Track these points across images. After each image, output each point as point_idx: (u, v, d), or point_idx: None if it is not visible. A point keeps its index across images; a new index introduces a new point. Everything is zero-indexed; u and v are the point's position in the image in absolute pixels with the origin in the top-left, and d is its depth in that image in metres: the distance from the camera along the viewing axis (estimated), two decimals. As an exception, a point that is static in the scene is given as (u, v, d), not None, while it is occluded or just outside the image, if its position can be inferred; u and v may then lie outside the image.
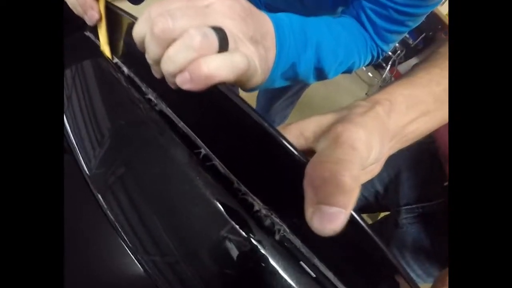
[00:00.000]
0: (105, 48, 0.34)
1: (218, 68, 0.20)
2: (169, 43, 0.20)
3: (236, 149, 0.24)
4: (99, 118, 0.31)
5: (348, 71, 0.43)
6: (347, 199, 0.15)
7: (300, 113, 1.07)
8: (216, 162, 0.24)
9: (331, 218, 0.15)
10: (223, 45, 0.21)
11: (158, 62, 0.22)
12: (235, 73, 0.21)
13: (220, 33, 0.21)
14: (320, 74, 0.37)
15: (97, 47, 0.37)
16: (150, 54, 0.22)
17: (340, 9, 0.52)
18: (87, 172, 0.26)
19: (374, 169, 0.23)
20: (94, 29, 0.41)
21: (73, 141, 0.31)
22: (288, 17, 0.31)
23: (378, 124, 0.21)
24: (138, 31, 0.22)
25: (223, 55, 0.21)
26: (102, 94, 0.32)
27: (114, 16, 0.33)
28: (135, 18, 0.33)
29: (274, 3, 0.63)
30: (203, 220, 0.23)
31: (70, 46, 0.43)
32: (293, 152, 0.19)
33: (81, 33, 0.43)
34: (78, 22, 0.40)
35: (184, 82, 0.20)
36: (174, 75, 0.21)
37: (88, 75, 0.35)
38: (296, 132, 0.22)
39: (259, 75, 0.25)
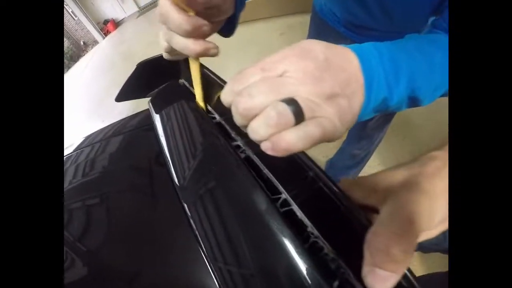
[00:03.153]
0: (200, 102, 0.42)
1: (294, 142, 0.23)
2: (251, 117, 0.24)
3: (312, 199, 0.28)
4: (192, 154, 0.38)
5: (446, 95, 0.38)
6: (398, 267, 0.19)
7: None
8: (294, 207, 0.28)
9: (383, 280, 0.19)
10: (299, 117, 0.23)
11: (245, 127, 0.25)
12: (311, 142, 0.23)
13: (294, 106, 0.23)
14: (414, 103, 0.35)
15: (191, 93, 0.44)
16: (237, 122, 0.25)
17: (430, 20, 0.50)
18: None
19: (441, 228, 0.24)
20: (189, 78, 0.49)
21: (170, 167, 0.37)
22: (375, 47, 0.30)
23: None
24: (225, 101, 0.26)
25: (298, 129, 0.23)
26: (194, 137, 0.38)
27: (206, 76, 0.40)
28: (223, 81, 0.41)
29: (357, 20, 0.62)
30: (273, 256, 0.27)
31: (170, 90, 0.52)
32: (360, 217, 0.23)
33: (176, 81, 0.52)
34: (174, 70, 0.49)
35: (267, 149, 0.23)
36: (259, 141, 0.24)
37: (185, 117, 0.42)
38: (369, 187, 0.24)
39: (340, 131, 0.26)
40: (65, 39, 6.38)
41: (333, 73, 0.25)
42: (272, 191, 0.29)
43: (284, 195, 0.29)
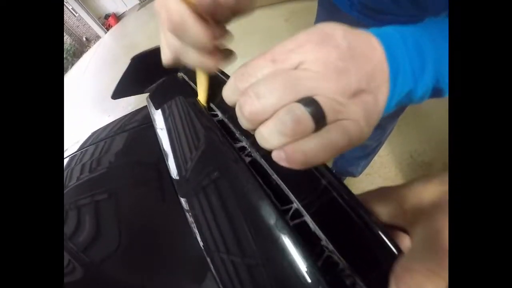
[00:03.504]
0: (202, 99, 0.38)
1: (314, 153, 0.19)
2: (260, 122, 0.19)
3: (327, 209, 0.25)
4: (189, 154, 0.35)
5: None
6: None
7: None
8: (307, 218, 0.25)
9: None
10: (320, 122, 0.19)
11: (253, 130, 0.21)
12: (335, 152, 0.20)
13: (315, 108, 0.19)
14: (437, 94, 0.31)
15: (190, 87, 0.41)
16: (243, 126, 0.21)
17: None
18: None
19: None
20: (188, 71, 0.46)
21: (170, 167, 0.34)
22: (397, 31, 0.25)
23: None
24: (227, 100, 0.21)
25: (319, 137, 0.19)
26: (195, 138, 0.35)
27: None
28: (226, 76, 0.37)
29: (375, 2, 0.57)
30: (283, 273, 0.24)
31: (168, 85, 0.49)
32: (385, 242, 0.20)
33: (175, 74, 0.48)
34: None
35: (279, 160, 0.20)
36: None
37: (185, 116, 0.39)
38: (395, 202, 0.21)
39: (366, 134, 0.22)
40: (67, 36, 6.40)
41: (358, 63, 0.21)
42: (281, 200, 0.26)
43: (296, 204, 0.25)
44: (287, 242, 0.23)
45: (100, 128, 0.64)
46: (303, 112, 0.18)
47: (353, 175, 1.38)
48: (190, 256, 0.31)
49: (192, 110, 0.39)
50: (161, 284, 0.31)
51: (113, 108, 3.09)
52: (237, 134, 0.32)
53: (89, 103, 3.62)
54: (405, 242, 0.21)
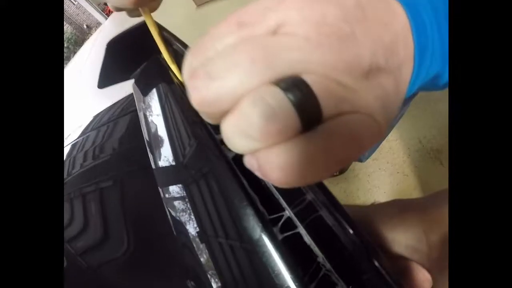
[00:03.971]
0: (175, 72, 0.34)
1: (300, 169, 0.12)
2: (219, 115, 0.13)
3: (327, 224, 0.20)
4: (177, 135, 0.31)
5: None
6: None
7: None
8: (301, 230, 0.20)
9: None
10: (311, 118, 0.12)
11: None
12: (335, 166, 0.13)
13: (302, 94, 0.12)
14: None
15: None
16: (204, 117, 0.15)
17: None
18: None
19: None
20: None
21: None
22: None
23: None
24: (185, 82, 0.14)
25: (310, 143, 0.12)
26: (177, 129, 0.31)
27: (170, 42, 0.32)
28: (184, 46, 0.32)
29: None
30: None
31: (151, 70, 0.44)
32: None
33: (157, 56, 0.44)
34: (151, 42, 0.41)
35: (253, 170, 0.14)
36: None
37: (168, 104, 0.35)
38: (417, 230, 0.16)
39: (383, 133, 0.15)
40: (67, 25, 6.35)
41: (372, 30, 0.14)
42: (271, 206, 0.21)
43: (288, 212, 0.21)
44: (275, 260, 0.19)
45: (102, 111, 0.61)
46: (282, 101, 0.12)
47: (360, 160, 1.33)
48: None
49: (174, 98, 0.34)
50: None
51: (117, 94, 3.05)
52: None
53: (92, 90, 3.59)
54: (419, 276, 0.16)
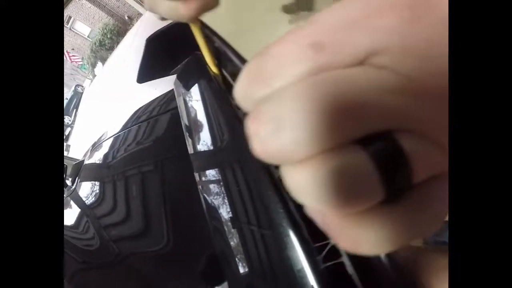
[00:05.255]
0: (211, 64, 0.33)
1: (379, 242, 0.10)
2: (283, 163, 0.11)
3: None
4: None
5: None
6: None
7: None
8: (345, 260, 0.18)
9: None
10: (398, 189, 0.10)
11: None
12: (417, 237, 0.11)
13: (394, 160, 0.09)
14: None
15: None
16: None
17: None
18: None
19: None
20: None
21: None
22: None
23: None
24: (240, 103, 0.12)
25: (396, 218, 0.10)
26: (220, 139, 0.30)
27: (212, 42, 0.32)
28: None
29: None
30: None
31: (192, 67, 0.44)
32: None
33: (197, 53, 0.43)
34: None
35: (315, 221, 0.12)
36: None
37: (212, 109, 0.33)
38: None
39: None
40: (109, 17, 6.63)
41: None
42: (316, 233, 0.19)
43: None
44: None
45: (142, 107, 0.63)
46: (366, 167, 0.09)
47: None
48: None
49: (218, 103, 0.32)
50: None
51: (160, 82, 3.16)
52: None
53: (135, 77, 3.75)
54: None
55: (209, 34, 0.31)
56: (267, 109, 0.10)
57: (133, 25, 6.65)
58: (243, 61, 0.26)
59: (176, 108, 0.52)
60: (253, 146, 0.10)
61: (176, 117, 0.49)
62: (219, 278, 0.27)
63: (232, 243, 0.24)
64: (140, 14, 6.74)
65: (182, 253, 0.34)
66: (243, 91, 0.11)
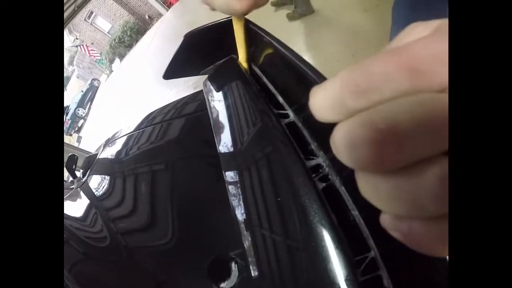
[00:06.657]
0: (242, 59, 0.35)
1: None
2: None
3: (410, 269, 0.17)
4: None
5: None
6: None
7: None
8: (384, 272, 0.17)
9: None
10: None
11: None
12: None
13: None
14: None
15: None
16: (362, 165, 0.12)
17: None
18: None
19: None
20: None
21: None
22: None
23: None
24: (320, 113, 0.12)
25: None
26: (258, 150, 0.29)
27: (254, 35, 0.32)
28: (275, 40, 0.29)
29: None
30: None
31: (228, 70, 0.43)
32: None
33: (233, 56, 0.42)
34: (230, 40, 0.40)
35: (389, 230, 0.12)
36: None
37: (249, 116, 0.33)
38: None
39: None
40: (130, 15, 6.75)
41: None
42: (357, 246, 0.19)
43: (373, 252, 0.18)
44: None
45: (155, 110, 0.64)
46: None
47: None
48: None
49: (257, 110, 0.31)
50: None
51: (176, 83, 3.18)
52: (312, 146, 0.24)
53: (153, 77, 3.80)
54: None
55: (257, 30, 0.31)
56: (387, 125, 0.10)
57: (153, 24, 6.75)
58: (295, 55, 0.25)
59: (190, 113, 0.54)
60: (363, 152, 0.11)
61: (189, 121, 0.52)
62: (224, 274, 0.27)
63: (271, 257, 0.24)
64: (160, 15, 6.86)
65: (188, 249, 0.34)
66: (334, 99, 0.12)
